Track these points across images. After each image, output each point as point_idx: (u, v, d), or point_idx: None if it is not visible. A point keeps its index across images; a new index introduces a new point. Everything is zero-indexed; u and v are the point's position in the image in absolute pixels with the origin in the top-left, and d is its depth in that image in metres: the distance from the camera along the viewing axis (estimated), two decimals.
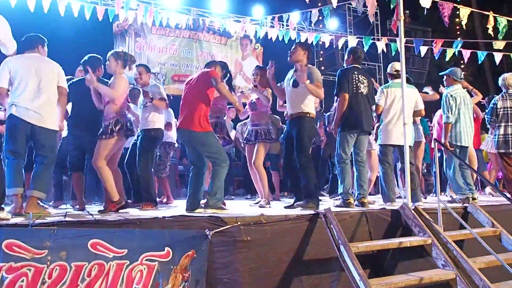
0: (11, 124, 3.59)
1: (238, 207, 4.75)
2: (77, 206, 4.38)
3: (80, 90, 4.36)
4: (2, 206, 3.13)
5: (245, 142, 5.22)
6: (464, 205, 4.62)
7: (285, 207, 4.38)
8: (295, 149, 4.29)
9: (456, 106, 5.01)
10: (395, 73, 5.05)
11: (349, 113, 4.50)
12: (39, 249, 2.60)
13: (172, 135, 5.74)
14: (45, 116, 3.68)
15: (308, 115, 4.29)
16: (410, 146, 4.70)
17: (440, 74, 5.53)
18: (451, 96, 5.04)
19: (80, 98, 4.40)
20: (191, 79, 4.26)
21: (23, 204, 3.58)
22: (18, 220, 3.03)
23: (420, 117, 5.57)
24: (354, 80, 4.54)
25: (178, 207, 4.75)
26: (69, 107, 4.45)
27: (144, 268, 2.87)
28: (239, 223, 3.28)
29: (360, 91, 4.54)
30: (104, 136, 4.00)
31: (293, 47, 4.47)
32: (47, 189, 3.86)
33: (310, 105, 4.33)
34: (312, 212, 3.75)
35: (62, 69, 3.89)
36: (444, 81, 5.39)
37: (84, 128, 4.33)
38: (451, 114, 4.98)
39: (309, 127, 4.29)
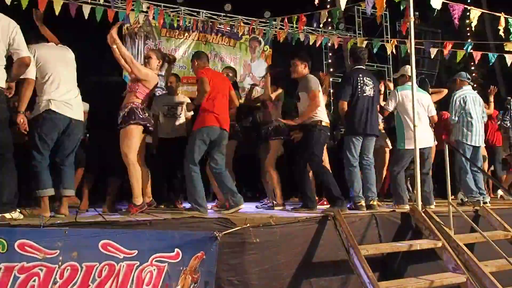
0: (49, 120, 3.42)
1: (246, 209, 4.73)
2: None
3: (97, 88, 4.38)
4: (14, 206, 3.15)
5: (259, 142, 5.21)
6: (475, 208, 4.57)
7: (292, 209, 4.37)
8: (307, 156, 4.33)
9: (461, 107, 5.12)
10: (401, 77, 5.06)
11: (354, 117, 4.48)
12: (51, 249, 2.62)
13: None
14: (79, 108, 3.63)
15: (319, 123, 4.30)
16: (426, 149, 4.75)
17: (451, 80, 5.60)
18: (460, 97, 5.18)
19: (98, 96, 4.37)
20: (219, 79, 4.24)
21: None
22: (30, 220, 3.07)
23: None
24: (358, 84, 4.51)
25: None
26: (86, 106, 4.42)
27: (154, 269, 2.89)
28: (248, 225, 3.28)
29: (365, 94, 4.50)
30: (121, 126, 3.84)
31: (291, 63, 4.50)
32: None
33: (321, 113, 4.35)
34: (321, 214, 3.75)
35: None
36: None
37: (103, 127, 4.23)
38: (455, 116, 5.15)
39: (319, 134, 4.30)
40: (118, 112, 3.95)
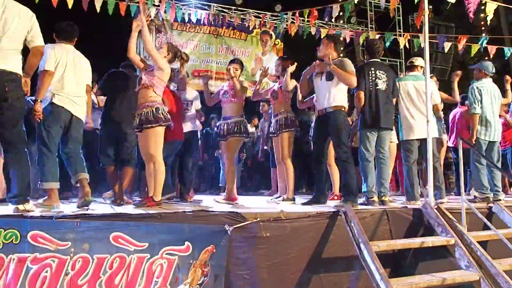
0: (52, 112, 3.52)
1: (256, 203, 4.73)
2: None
3: (115, 81, 4.40)
4: (28, 198, 3.19)
5: (271, 136, 5.14)
6: (489, 205, 4.50)
7: (303, 204, 4.34)
8: (333, 144, 4.34)
9: (482, 98, 4.95)
10: (409, 65, 4.98)
11: (367, 110, 4.44)
12: (63, 240, 2.66)
13: None
14: (82, 108, 3.73)
15: (342, 109, 4.30)
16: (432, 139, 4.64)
17: (471, 67, 5.42)
18: (477, 88, 5.00)
19: (116, 89, 4.39)
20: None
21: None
22: (43, 212, 3.09)
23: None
24: (370, 76, 4.46)
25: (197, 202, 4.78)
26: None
27: (164, 262, 2.90)
28: (258, 219, 3.28)
29: (377, 87, 4.45)
30: (147, 126, 3.81)
31: (322, 42, 4.51)
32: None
33: (343, 99, 4.34)
34: (332, 209, 3.72)
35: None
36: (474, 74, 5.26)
37: (121, 120, 4.28)
38: (478, 105, 4.93)
39: (344, 120, 4.31)
40: (134, 105, 4.01)
